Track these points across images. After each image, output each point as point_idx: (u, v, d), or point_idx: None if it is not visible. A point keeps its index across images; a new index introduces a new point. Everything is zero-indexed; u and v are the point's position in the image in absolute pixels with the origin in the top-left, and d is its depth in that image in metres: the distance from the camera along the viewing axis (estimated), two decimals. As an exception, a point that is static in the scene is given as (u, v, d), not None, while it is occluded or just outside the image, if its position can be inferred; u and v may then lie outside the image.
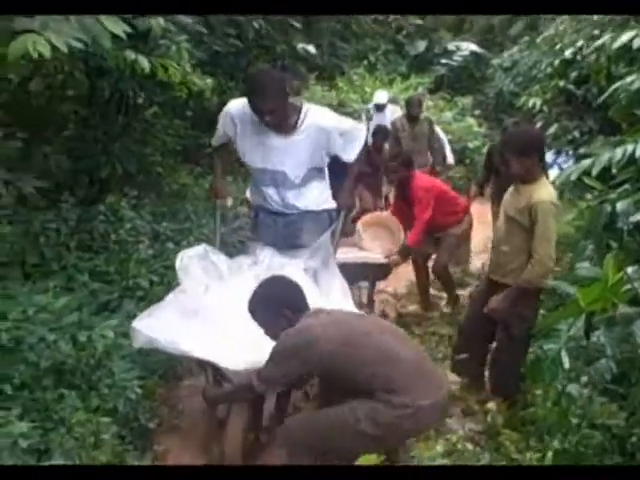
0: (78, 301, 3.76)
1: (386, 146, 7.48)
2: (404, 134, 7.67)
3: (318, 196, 4.12)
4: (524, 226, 3.60)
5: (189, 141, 7.43)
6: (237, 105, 3.92)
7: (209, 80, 8.57)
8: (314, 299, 3.42)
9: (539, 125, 7.65)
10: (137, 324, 3.34)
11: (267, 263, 3.96)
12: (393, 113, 8.54)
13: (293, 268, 3.85)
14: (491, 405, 3.79)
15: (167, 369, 4.05)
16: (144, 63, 3.96)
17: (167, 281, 4.59)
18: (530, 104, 8.09)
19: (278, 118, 3.69)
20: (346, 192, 4.24)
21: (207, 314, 3.46)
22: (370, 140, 6.91)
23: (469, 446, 3.60)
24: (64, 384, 3.22)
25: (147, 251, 4.67)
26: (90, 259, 4.32)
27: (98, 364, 3.40)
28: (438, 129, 8.13)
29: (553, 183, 3.98)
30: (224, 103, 7.94)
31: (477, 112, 12.22)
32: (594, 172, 3.65)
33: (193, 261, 3.83)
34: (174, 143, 6.75)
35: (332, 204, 4.20)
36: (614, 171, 3.64)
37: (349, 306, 3.72)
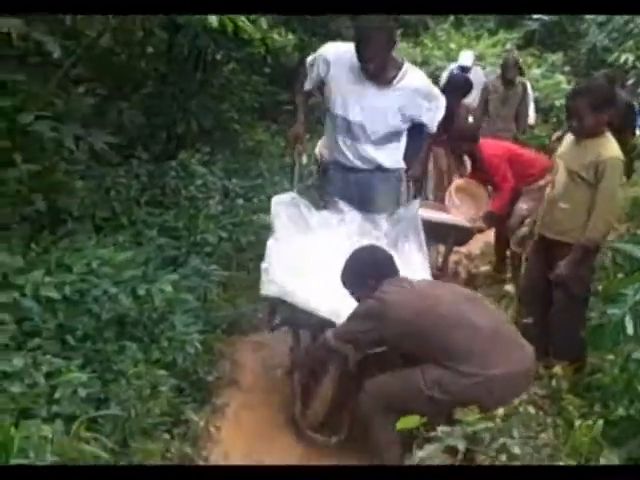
0: (145, 255, 3.82)
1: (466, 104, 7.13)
2: (494, 97, 7.19)
3: (392, 156, 4.07)
4: (588, 182, 3.45)
5: (267, 98, 7.43)
6: (333, 48, 3.93)
7: (290, 37, 8.55)
8: None
9: (631, 82, 7.21)
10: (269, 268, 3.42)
11: (357, 225, 3.96)
12: (477, 76, 8.12)
13: (377, 233, 3.92)
14: (557, 369, 3.66)
15: (230, 324, 4.09)
16: (212, 18, 3.92)
17: (235, 237, 4.63)
18: (622, 60, 7.66)
19: (379, 67, 3.71)
20: (418, 163, 4.28)
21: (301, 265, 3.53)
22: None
23: (531, 409, 3.50)
24: (126, 336, 3.29)
25: (217, 207, 4.71)
26: (160, 214, 4.38)
27: (160, 318, 3.46)
28: (530, 93, 7.59)
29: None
30: (304, 59, 7.89)
31: (567, 69, 11.62)
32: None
33: (282, 208, 3.85)
34: (251, 100, 6.75)
35: (403, 165, 4.17)
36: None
37: (426, 276, 3.68)
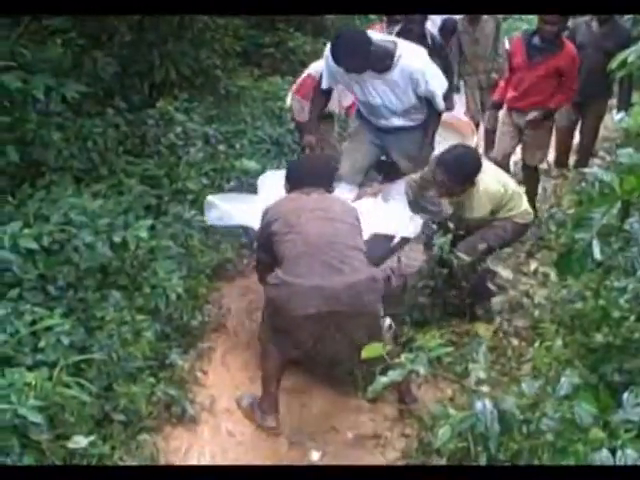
0: (126, 204, 3.82)
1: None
2: (465, 37, 6.73)
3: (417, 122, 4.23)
4: None
5: (248, 42, 7.29)
6: None
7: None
8: (384, 214, 3.80)
9: None
10: (212, 198, 3.61)
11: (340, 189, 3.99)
12: None
13: (372, 191, 4.10)
14: (539, 299, 3.71)
15: (214, 269, 4.12)
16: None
17: (217, 184, 4.63)
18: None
19: (362, 69, 3.88)
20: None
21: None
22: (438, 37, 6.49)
23: (514, 341, 3.57)
24: (108, 285, 3.32)
25: (198, 154, 4.68)
26: (140, 164, 4.35)
27: (142, 265, 3.49)
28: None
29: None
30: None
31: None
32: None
33: (276, 179, 3.85)
34: (232, 44, 6.62)
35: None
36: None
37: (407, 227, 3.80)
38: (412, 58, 3.99)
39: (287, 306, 2.90)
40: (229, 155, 4.92)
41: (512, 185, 3.92)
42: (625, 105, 6.15)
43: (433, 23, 6.69)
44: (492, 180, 3.74)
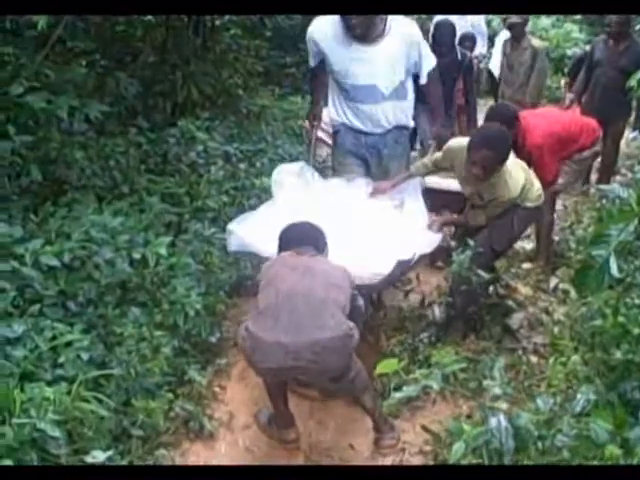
0: (147, 222, 3.86)
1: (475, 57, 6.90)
2: (503, 59, 6.72)
3: (402, 113, 4.15)
4: None
5: (270, 62, 7.39)
6: (318, 25, 3.98)
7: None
8: (398, 230, 3.67)
9: (639, 27, 7.04)
10: (232, 226, 3.53)
11: (364, 190, 4.01)
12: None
13: (383, 204, 3.95)
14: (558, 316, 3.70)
15: (233, 286, 4.14)
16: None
17: (238, 202, 4.66)
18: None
19: (367, 27, 3.75)
20: (438, 122, 4.38)
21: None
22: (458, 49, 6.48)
23: (533, 358, 3.56)
24: (128, 301, 3.36)
25: (218, 172, 4.72)
26: (161, 182, 4.40)
27: (162, 282, 3.52)
28: (544, 61, 6.82)
29: None
30: (308, 21, 7.85)
31: (578, 17, 11.37)
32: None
33: (288, 177, 3.95)
34: (254, 64, 6.70)
35: (411, 123, 4.30)
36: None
37: (427, 236, 3.71)
38: (403, 22, 3.93)
39: (251, 358, 2.90)
40: (250, 173, 4.96)
41: (527, 168, 3.93)
42: None
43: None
44: (514, 163, 3.76)
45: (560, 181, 4.55)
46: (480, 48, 7.22)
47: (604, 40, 5.88)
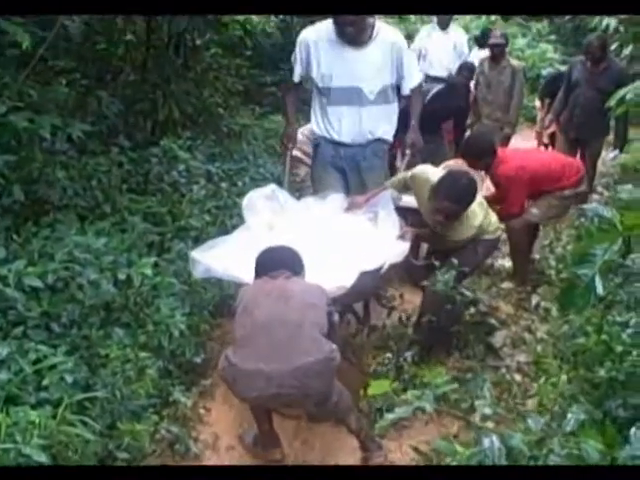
0: (129, 242, 3.84)
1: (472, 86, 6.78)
2: (482, 78, 6.72)
3: (384, 122, 4.23)
4: None
5: (250, 81, 7.41)
6: (310, 31, 4.14)
7: (272, 17, 8.51)
8: (370, 242, 3.64)
9: (614, 47, 7.18)
10: (196, 254, 3.46)
11: (339, 204, 4.02)
12: (458, 37, 7.86)
13: (357, 218, 3.94)
14: (541, 335, 3.74)
15: (217, 306, 4.12)
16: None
17: (220, 221, 4.65)
18: (604, 25, 7.61)
19: (358, 30, 3.89)
20: (413, 130, 4.36)
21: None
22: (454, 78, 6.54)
23: (517, 377, 3.58)
24: (112, 322, 3.33)
25: (201, 191, 4.71)
26: (143, 201, 4.38)
27: (146, 302, 3.50)
28: (522, 79, 6.84)
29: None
30: (288, 41, 7.89)
31: (553, 37, 11.58)
32: (651, 91, 3.42)
33: (260, 201, 3.92)
34: (235, 83, 6.73)
35: (391, 136, 4.36)
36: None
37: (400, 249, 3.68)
38: (391, 31, 4.09)
39: (233, 388, 2.91)
40: (231, 192, 4.95)
41: (486, 205, 3.96)
42: (621, 142, 6.22)
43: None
44: (476, 203, 3.78)
45: (535, 212, 4.59)
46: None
47: (582, 61, 5.99)
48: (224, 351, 2.98)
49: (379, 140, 4.26)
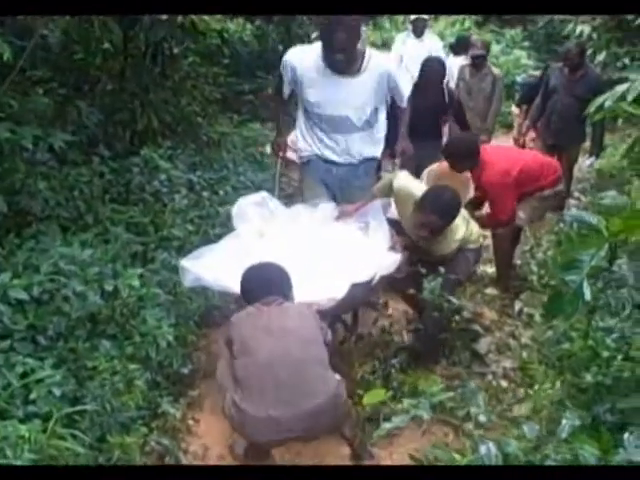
0: (113, 252, 3.81)
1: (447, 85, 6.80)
2: (462, 85, 6.81)
3: (374, 143, 4.22)
4: None
5: (228, 89, 7.41)
6: (296, 53, 4.03)
7: (248, 25, 8.53)
8: (361, 252, 3.66)
9: (588, 53, 7.29)
10: (185, 262, 3.46)
11: (329, 212, 4.02)
12: (433, 44, 7.92)
13: (348, 227, 3.95)
14: (525, 340, 3.77)
15: (202, 316, 4.10)
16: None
17: (203, 230, 4.64)
18: (578, 31, 7.74)
19: (348, 58, 3.80)
20: (402, 138, 4.39)
21: (259, 257, 3.41)
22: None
23: (503, 383, 3.61)
24: (98, 334, 3.30)
25: (182, 201, 4.69)
26: (125, 211, 4.35)
27: (132, 313, 3.48)
28: (501, 86, 6.95)
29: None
30: (264, 49, 7.84)
31: (526, 44, 11.72)
32: (629, 98, 3.47)
33: (250, 208, 3.92)
34: (212, 92, 6.71)
35: (379, 153, 4.32)
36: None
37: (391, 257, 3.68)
38: (381, 57, 4.06)
39: (242, 431, 2.86)
40: (213, 202, 4.95)
41: (467, 216, 3.97)
42: (598, 149, 6.31)
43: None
44: (459, 218, 3.80)
45: (522, 216, 4.61)
46: None
47: (559, 68, 6.07)
48: (227, 393, 2.89)
49: (370, 159, 4.25)
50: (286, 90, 4.13)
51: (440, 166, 4.82)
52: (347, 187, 4.22)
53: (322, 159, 4.19)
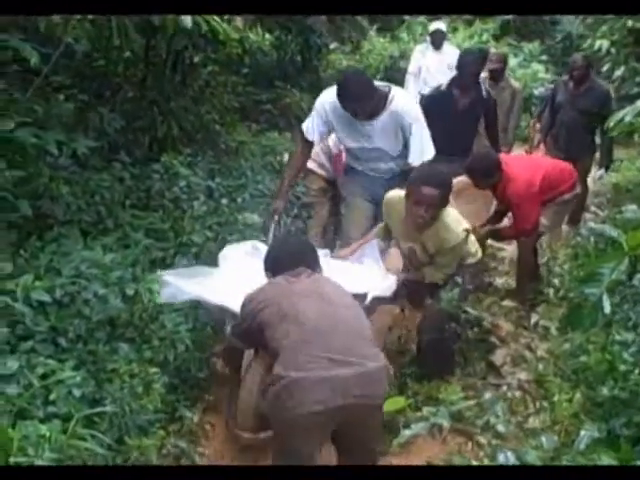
0: (133, 257, 3.85)
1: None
2: None
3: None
4: None
5: (246, 98, 7.46)
6: (327, 96, 4.20)
7: (267, 36, 8.59)
8: (358, 275, 3.63)
9: (605, 68, 7.30)
10: (166, 276, 3.50)
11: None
12: (452, 56, 7.87)
13: (344, 262, 3.94)
14: (541, 353, 3.78)
15: (217, 321, 4.13)
16: (186, 20, 3.95)
17: (221, 237, 4.67)
18: (597, 46, 7.74)
19: (367, 111, 4.00)
20: None
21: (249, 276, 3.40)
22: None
23: (517, 394, 3.61)
24: (118, 337, 3.34)
25: (201, 208, 4.73)
26: (145, 217, 4.40)
27: (151, 318, 3.51)
28: (521, 99, 6.88)
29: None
30: (282, 58, 7.90)
31: (544, 57, 11.72)
32: (650, 114, 3.49)
33: (238, 253, 3.90)
34: (231, 100, 6.77)
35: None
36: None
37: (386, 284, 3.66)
38: (405, 102, 4.12)
39: (286, 405, 2.50)
40: (231, 209, 4.98)
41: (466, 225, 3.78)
42: (607, 161, 6.31)
43: None
44: (453, 216, 3.70)
45: (544, 222, 4.61)
46: None
47: (564, 82, 6.12)
48: (267, 374, 2.72)
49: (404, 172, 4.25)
50: (314, 135, 4.30)
51: (461, 182, 4.78)
52: (378, 190, 4.27)
53: (354, 170, 4.44)
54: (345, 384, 2.48)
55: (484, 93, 5.62)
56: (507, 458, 1.89)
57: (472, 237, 3.88)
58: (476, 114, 5.54)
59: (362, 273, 3.71)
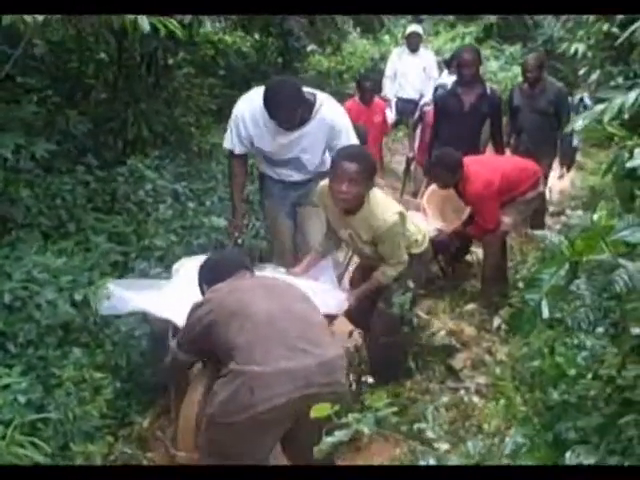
0: (92, 261, 3.83)
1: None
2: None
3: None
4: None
5: (224, 100, 7.44)
6: (247, 109, 4.08)
7: (245, 37, 8.59)
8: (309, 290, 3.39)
9: (582, 72, 7.30)
10: (112, 286, 3.40)
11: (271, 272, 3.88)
12: (427, 60, 7.94)
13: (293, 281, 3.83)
14: (501, 356, 3.78)
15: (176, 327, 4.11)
16: (144, 24, 3.92)
17: (186, 241, 4.65)
18: (573, 50, 7.74)
19: (294, 120, 3.87)
20: None
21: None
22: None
23: (475, 399, 3.61)
24: (70, 342, 3.32)
25: (167, 211, 4.71)
26: (108, 220, 4.38)
27: (105, 322, 3.50)
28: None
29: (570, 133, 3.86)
30: (260, 61, 7.85)
31: (524, 60, 11.73)
32: (606, 118, 3.47)
33: (192, 267, 3.64)
34: (208, 102, 6.76)
35: None
36: (626, 116, 3.46)
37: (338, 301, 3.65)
38: (333, 110, 4.01)
39: (249, 401, 2.43)
40: (198, 212, 4.95)
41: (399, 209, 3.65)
42: (568, 160, 6.31)
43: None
44: (380, 201, 3.59)
45: (507, 221, 4.66)
46: (429, 92, 7.37)
47: (519, 85, 6.17)
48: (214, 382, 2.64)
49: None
50: (238, 147, 4.23)
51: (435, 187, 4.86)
52: (300, 197, 4.33)
53: (272, 179, 4.38)
54: (308, 373, 2.47)
55: (488, 91, 5.66)
56: (428, 463, 1.88)
57: (413, 225, 3.79)
58: (482, 112, 5.56)
59: (313, 289, 3.47)
